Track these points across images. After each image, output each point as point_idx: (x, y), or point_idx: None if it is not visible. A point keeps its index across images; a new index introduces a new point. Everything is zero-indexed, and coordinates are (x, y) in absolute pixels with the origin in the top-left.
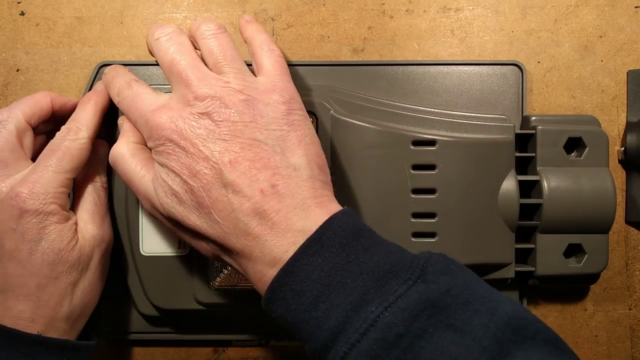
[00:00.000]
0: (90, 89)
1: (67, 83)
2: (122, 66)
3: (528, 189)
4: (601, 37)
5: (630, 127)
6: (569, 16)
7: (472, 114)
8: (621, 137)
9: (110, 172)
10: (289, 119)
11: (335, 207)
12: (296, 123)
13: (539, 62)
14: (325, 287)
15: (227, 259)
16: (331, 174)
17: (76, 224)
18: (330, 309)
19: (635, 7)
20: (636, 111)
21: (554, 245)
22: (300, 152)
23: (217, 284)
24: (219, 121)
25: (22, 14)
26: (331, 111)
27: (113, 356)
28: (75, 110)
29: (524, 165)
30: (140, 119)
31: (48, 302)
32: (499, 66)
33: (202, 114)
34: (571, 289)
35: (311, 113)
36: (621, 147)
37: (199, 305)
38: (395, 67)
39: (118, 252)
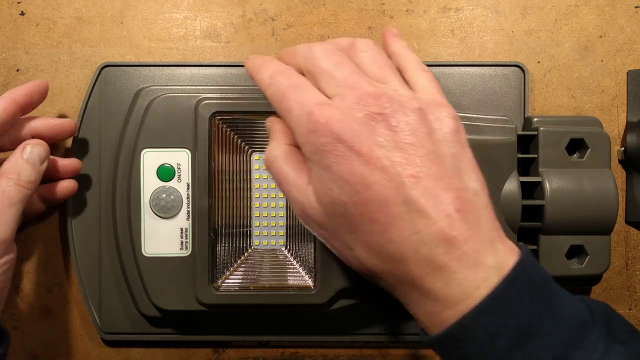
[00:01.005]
0: (92, 90)
1: (67, 83)
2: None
3: (530, 190)
4: (601, 37)
5: (630, 127)
6: (569, 16)
7: (474, 115)
8: (621, 137)
9: (111, 172)
10: (459, 138)
11: (512, 244)
12: (465, 144)
13: (539, 62)
14: (524, 334)
15: (385, 282)
16: None
17: None
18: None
19: (635, 7)
20: (636, 111)
21: (556, 247)
22: (475, 176)
23: (218, 285)
24: (396, 127)
25: (22, 14)
26: None
27: (113, 356)
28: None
29: (526, 167)
30: (301, 110)
31: None
32: (501, 67)
33: (377, 114)
34: (573, 290)
35: None
36: (621, 147)
37: (201, 306)
38: None
39: (119, 252)
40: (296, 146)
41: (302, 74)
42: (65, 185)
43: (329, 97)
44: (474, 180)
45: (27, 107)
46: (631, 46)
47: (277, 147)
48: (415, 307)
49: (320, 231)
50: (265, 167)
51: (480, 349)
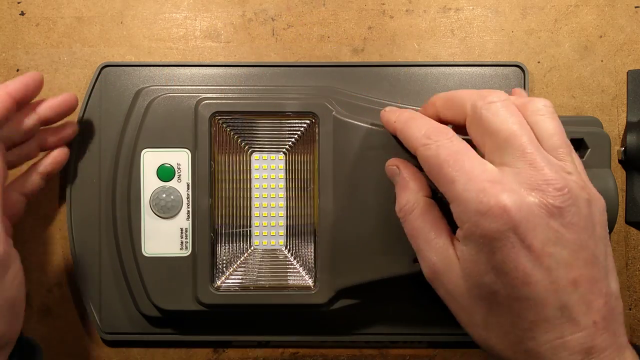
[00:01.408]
0: (92, 90)
1: (67, 83)
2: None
3: None
4: (601, 37)
5: (630, 127)
6: (569, 16)
7: None
8: (621, 137)
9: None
10: (607, 232)
11: (631, 347)
12: (608, 235)
13: (539, 62)
14: None
15: None
16: (333, 176)
17: None
18: None
19: (635, 7)
20: (636, 111)
21: None
22: (615, 277)
23: (218, 285)
24: (569, 224)
25: (22, 14)
26: (333, 112)
27: (113, 356)
28: None
29: None
30: (468, 185)
31: None
32: (501, 67)
33: (556, 208)
34: None
35: (313, 114)
36: (621, 147)
37: (201, 306)
38: (397, 68)
39: (119, 252)
40: (429, 197)
41: (454, 122)
42: (53, 157)
43: (494, 163)
44: (615, 282)
45: (23, 100)
46: (631, 46)
47: (414, 198)
48: None
49: (448, 298)
50: (399, 216)
51: None
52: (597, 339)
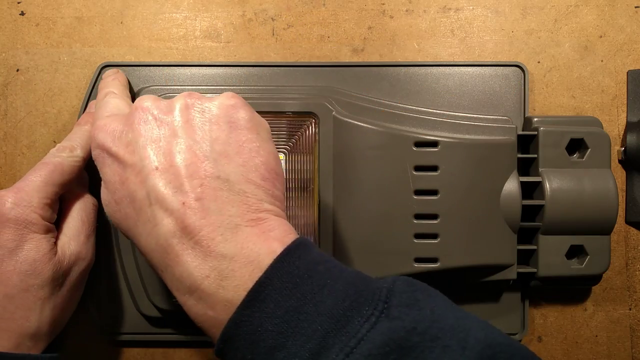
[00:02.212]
0: (92, 90)
1: (67, 83)
2: (118, 73)
3: (530, 190)
4: (601, 37)
5: (630, 127)
6: (569, 16)
7: (474, 115)
8: (621, 137)
9: None
10: (228, 120)
11: (289, 235)
12: (238, 126)
13: (539, 62)
14: (281, 335)
15: (159, 275)
16: (333, 176)
17: (57, 238)
18: (288, 359)
19: (635, 7)
20: (636, 111)
21: (556, 247)
22: (239, 159)
23: None
24: (138, 127)
25: (22, 14)
26: (333, 112)
27: (113, 357)
28: (72, 131)
29: (526, 167)
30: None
31: (14, 315)
32: (501, 67)
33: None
34: (572, 289)
35: (313, 114)
36: (621, 147)
37: None
38: (397, 68)
39: (119, 252)
40: None
41: None
42: None
43: None
44: (233, 165)
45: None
46: (631, 46)
47: None
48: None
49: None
50: None
51: (245, 357)
52: (189, 219)
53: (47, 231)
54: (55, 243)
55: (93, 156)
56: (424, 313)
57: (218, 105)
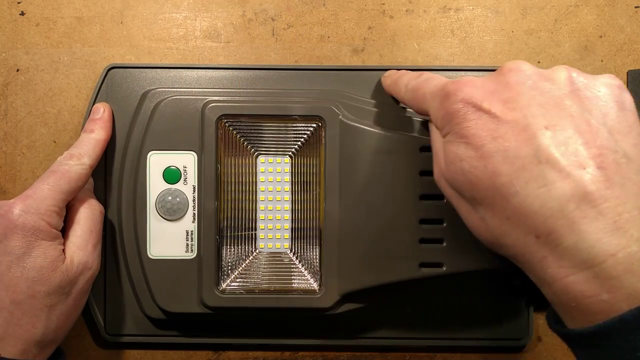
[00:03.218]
0: (98, 92)
1: (67, 83)
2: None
3: None
4: (601, 37)
5: None
6: (569, 16)
7: None
8: None
9: (117, 174)
10: (618, 99)
11: None
12: (627, 107)
13: (539, 62)
14: None
15: (507, 244)
16: (339, 180)
17: (64, 245)
18: None
19: (635, 7)
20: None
21: None
22: (632, 140)
23: (224, 288)
24: (532, 88)
25: (22, 14)
26: (340, 116)
27: (114, 357)
28: (79, 139)
29: None
30: (435, 86)
31: (20, 321)
32: None
33: (508, 79)
34: None
35: (320, 118)
36: None
37: (206, 309)
38: None
39: (124, 254)
40: None
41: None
42: None
43: None
44: (627, 143)
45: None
46: (631, 46)
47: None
48: (537, 271)
49: (454, 199)
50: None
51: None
52: (593, 185)
53: (55, 238)
54: (63, 250)
55: (449, 110)
56: None
57: (604, 83)
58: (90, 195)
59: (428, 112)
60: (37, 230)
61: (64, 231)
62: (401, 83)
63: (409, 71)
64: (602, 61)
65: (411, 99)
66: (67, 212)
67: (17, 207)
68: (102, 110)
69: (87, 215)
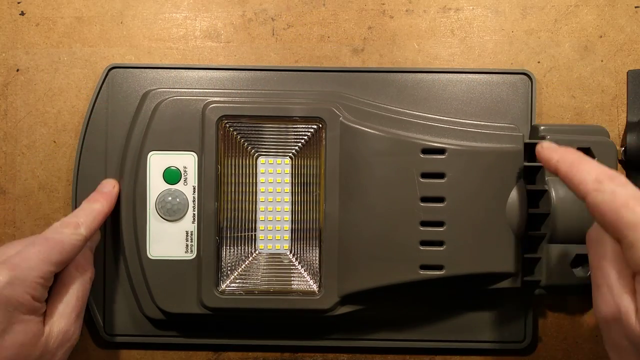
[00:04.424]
0: (99, 92)
1: (67, 83)
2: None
3: (536, 198)
4: (601, 37)
5: (630, 127)
6: (569, 16)
7: (482, 123)
8: (621, 137)
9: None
10: None
11: None
12: None
13: (539, 62)
14: None
15: None
16: (339, 181)
17: (45, 315)
18: None
19: (635, 7)
20: (636, 111)
21: (561, 255)
22: None
23: (223, 288)
24: None
25: (22, 14)
26: (340, 118)
27: (114, 358)
28: (80, 207)
29: (532, 175)
30: None
31: None
32: (509, 75)
33: None
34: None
35: (320, 119)
36: (621, 147)
37: (205, 310)
38: (405, 74)
39: (124, 254)
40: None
41: None
42: None
43: None
44: None
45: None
46: (631, 46)
47: (609, 239)
48: None
49: (618, 348)
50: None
51: None
52: None
53: (37, 311)
54: (44, 321)
55: None
56: None
57: None
58: (87, 258)
59: (623, 241)
60: (20, 304)
61: (50, 289)
62: (587, 174)
63: (592, 160)
64: (602, 61)
65: (601, 211)
66: (58, 273)
67: (3, 277)
68: (111, 186)
69: (78, 282)
